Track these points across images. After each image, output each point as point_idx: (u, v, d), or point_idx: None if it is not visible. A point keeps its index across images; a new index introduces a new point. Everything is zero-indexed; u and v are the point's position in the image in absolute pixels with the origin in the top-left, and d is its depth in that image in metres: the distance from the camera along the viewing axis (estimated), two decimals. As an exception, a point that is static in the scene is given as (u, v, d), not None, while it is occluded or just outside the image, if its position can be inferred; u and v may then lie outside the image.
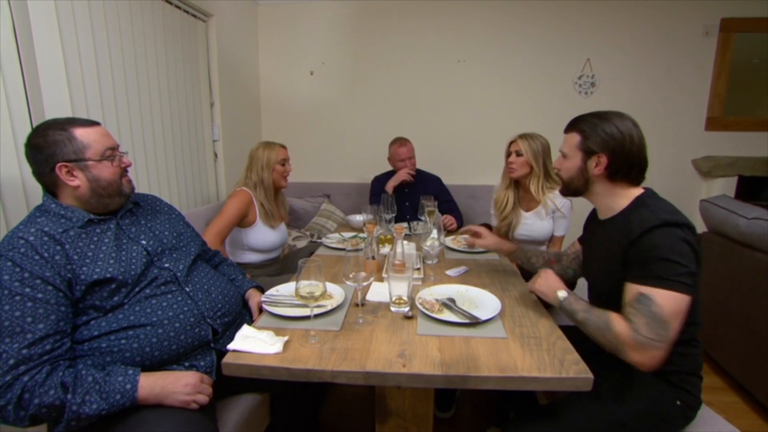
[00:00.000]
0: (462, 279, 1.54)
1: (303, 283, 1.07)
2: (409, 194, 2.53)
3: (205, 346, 1.15)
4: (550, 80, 2.99)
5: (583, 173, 1.16)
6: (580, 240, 1.45)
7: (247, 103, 3.02)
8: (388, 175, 2.61)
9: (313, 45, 3.11)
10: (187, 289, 1.16)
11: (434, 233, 1.64)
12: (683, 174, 3.07)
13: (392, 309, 1.26)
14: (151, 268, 1.14)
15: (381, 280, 1.49)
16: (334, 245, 1.94)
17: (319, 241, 2.02)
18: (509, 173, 1.99)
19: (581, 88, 2.95)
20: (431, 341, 1.08)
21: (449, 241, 1.98)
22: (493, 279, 1.54)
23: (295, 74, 3.15)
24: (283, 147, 2.03)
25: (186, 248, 1.28)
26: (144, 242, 1.17)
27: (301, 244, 2.47)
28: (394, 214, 1.99)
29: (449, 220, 2.26)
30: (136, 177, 1.87)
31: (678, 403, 1.08)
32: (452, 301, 1.26)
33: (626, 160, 1.10)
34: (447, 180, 2.66)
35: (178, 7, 2.19)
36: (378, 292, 1.39)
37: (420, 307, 1.22)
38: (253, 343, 1.06)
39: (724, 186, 2.96)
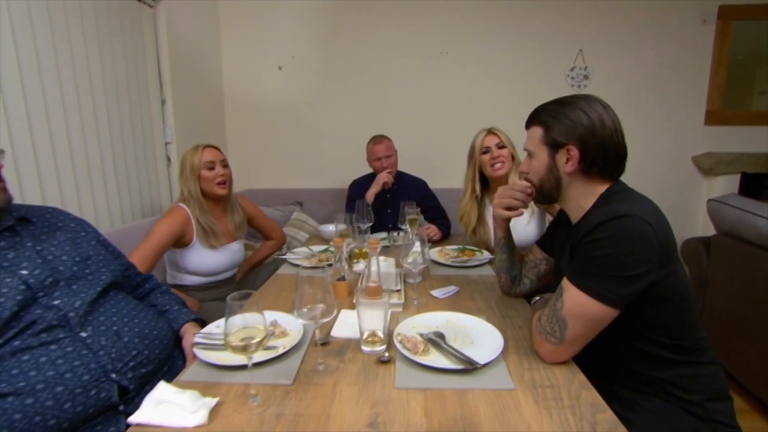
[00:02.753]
0: (452, 302, 1.26)
1: (234, 324, 0.78)
2: (390, 200, 2.25)
3: (109, 411, 0.85)
4: (541, 72, 2.77)
5: (552, 171, 0.99)
6: (542, 245, 1.24)
7: (207, 100, 2.71)
8: (368, 179, 2.33)
9: (282, 37, 2.82)
10: (83, 335, 0.86)
11: (417, 246, 1.36)
12: (683, 172, 2.87)
13: (364, 349, 0.98)
14: (32, 307, 0.84)
15: (354, 306, 1.21)
16: (299, 262, 1.64)
17: (283, 257, 1.71)
18: (496, 171, 1.68)
19: (574, 81, 2.74)
20: (414, 398, 0.80)
21: (435, 253, 1.70)
22: (490, 301, 1.27)
23: (261, 69, 2.86)
24: (212, 147, 1.70)
25: (94, 276, 0.98)
26: (25, 272, 0.87)
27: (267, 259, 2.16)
28: (370, 224, 1.72)
29: (432, 230, 1.98)
30: (59, 188, 1.55)
31: None
32: (441, 336, 0.98)
33: (600, 148, 0.92)
34: (433, 183, 2.39)
35: (116, -12, 1.88)
36: (348, 323, 1.11)
37: (399, 346, 0.94)
38: (168, 411, 0.76)
39: (727, 184, 2.77)
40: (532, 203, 1.66)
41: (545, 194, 1.05)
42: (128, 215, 1.96)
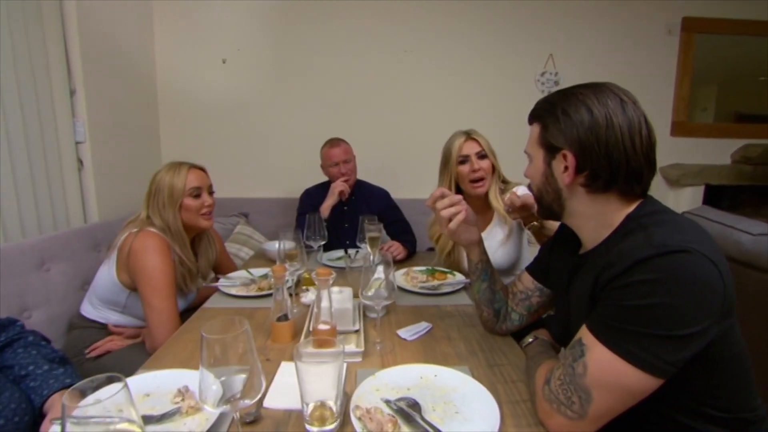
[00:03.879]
0: (424, 345, 1.00)
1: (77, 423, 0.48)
2: (348, 213, 1.98)
3: None
4: (510, 76, 2.63)
5: (549, 181, 0.78)
6: (533, 272, 1.00)
7: (135, 93, 2.33)
8: (322, 188, 2.04)
9: (227, 26, 2.50)
10: None
11: (379, 271, 1.09)
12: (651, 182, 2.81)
13: (309, 430, 0.69)
14: None
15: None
16: (233, 291, 1.32)
17: (214, 284, 1.38)
18: (476, 188, 1.45)
19: (544, 86, 2.60)
20: None
21: (400, 277, 1.44)
22: (471, 343, 1.02)
23: (203, 61, 2.52)
24: (197, 168, 1.36)
25: None
26: None
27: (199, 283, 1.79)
28: (323, 242, 1.44)
29: (395, 248, 1.71)
30: None
31: None
32: (415, 406, 0.71)
33: (604, 157, 0.69)
34: (396, 194, 2.15)
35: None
36: (289, 384, 0.82)
37: (358, 426, 0.66)
38: None
39: (693, 195, 2.75)
40: (509, 219, 1.45)
41: (545, 208, 0.83)
42: (15, 231, 1.55)
